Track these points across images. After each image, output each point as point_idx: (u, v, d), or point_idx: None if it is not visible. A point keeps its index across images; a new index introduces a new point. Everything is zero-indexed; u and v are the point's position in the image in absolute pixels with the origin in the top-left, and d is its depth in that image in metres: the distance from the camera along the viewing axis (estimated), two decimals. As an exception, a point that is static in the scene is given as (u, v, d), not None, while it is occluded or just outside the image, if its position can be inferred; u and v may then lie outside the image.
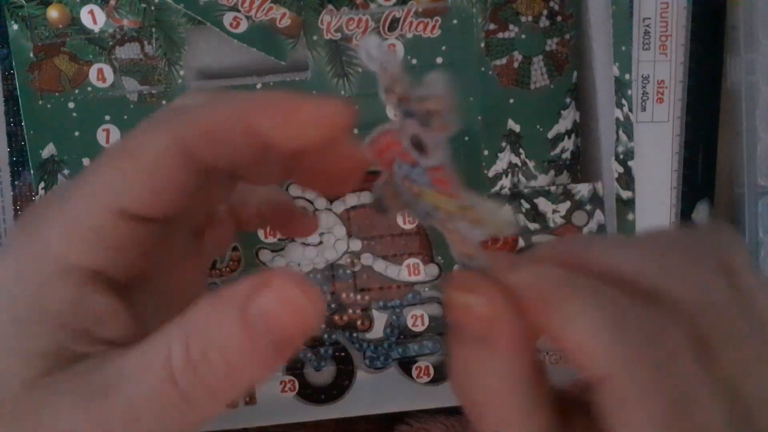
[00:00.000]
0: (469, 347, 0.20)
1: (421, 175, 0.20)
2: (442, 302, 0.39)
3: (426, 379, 0.39)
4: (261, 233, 0.38)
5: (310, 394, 0.39)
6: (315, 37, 0.37)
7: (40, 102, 0.36)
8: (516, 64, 0.37)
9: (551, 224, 0.38)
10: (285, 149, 0.20)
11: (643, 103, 0.38)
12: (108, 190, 0.19)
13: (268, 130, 0.19)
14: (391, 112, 0.35)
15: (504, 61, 0.37)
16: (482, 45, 0.37)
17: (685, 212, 0.39)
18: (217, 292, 0.18)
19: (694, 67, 0.38)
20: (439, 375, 0.40)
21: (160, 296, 0.22)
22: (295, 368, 0.39)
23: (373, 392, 0.39)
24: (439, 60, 0.37)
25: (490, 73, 0.37)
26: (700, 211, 0.39)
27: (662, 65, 0.38)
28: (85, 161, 0.37)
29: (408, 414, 0.40)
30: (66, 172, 0.37)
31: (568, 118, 0.38)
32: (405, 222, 0.38)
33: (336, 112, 0.19)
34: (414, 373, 0.39)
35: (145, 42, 0.36)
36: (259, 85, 0.37)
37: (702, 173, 0.38)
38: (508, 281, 0.20)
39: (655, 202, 0.38)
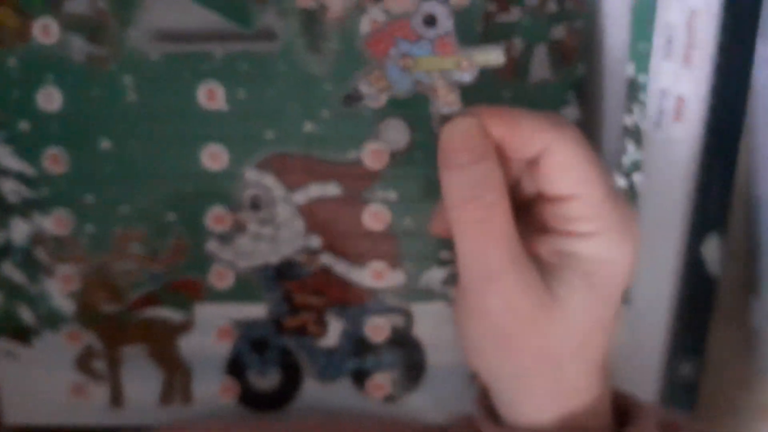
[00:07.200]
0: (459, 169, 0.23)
1: (423, 47, 0.24)
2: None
3: (381, 395, 0.36)
4: (208, 221, 0.34)
5: (251, 399, 0.36)
6: (287, 5, 0.32)
7: (-21, 57, 0.33)
8: (515, 53, 0.32)
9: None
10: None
11: (659, 119, 0.32)
12: None
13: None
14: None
15: (500, 48, 0.32)
16: (479, 28, 0.32)
17: (693, 244, 0.33)
18: None
19: (719, 83, 0.32)
20: (396, 393, 0.36)
21: None
22: (236, 370, 0.36)
23: (320, 404, 0.36)
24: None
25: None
26: (711, 244, 0.33)
27: (685, 79, 0.32)
28: (23, 125, 0.33)
29: None
30: (1, 134, 0.34)
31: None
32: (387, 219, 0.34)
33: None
34: (368, 387, 0.36)
35: (100, -6, 0.32)
36: (219, 52, 0.33)
37: (716, 202, 0.32)
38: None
39: (661, 229, 0.33)
